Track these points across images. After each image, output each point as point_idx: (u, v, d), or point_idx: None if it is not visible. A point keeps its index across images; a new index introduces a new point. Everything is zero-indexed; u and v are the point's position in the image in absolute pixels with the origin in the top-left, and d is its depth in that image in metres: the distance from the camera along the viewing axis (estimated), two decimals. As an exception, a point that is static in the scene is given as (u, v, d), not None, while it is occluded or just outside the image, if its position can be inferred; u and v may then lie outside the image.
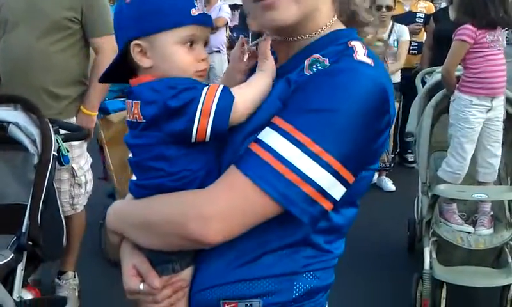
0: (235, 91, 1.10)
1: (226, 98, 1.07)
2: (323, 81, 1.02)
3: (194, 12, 1.10)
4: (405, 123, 4.11)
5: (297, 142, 0.97)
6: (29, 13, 2.98)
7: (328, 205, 1.01)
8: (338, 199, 1.02)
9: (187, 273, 1.15)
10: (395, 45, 5.15)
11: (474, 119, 3.41)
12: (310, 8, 1.08)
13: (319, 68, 1.06)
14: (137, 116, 1.10)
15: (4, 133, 2.43)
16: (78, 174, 3.11)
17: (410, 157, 5.59)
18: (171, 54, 1.11)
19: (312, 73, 1.06)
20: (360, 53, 1.05)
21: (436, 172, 3.57)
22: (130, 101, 1.12)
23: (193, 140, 1.07)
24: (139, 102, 1.09)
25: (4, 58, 3.05)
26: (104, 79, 1.27)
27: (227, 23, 7.23)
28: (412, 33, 5.54)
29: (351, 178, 1.01)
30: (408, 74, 5.21)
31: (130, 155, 1.18)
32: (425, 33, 5.84)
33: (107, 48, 3.05)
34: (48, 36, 2.99)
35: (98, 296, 3.39)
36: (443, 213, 3.38)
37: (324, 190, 0.98)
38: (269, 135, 1.01)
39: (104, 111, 3.61)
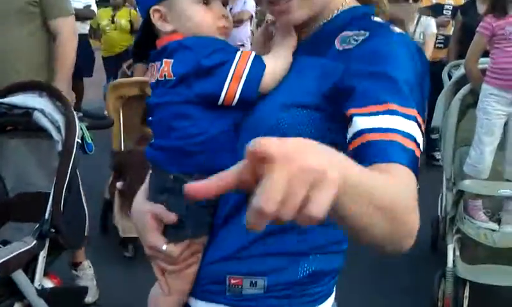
0: (265, 58, 1.10)
1: (259, 65, 1.07)
2: (386, 49, 1.00)
3: None
4: (431, 120, 4.06)
5: (412, 117, 0.93)
6: None
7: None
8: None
9: (202, 240, 1.15)
10: (422, 37, 5.07)
11: (492, 110, 3.39)
12: (321, 3, 1.09)
13: (360, 38, 1.03)
14: (166, 73, 1.10)
15: (29, 119, 2.44)
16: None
17: (438, 155, 5.49)
18: (190, 13, 1.13)
19: (355, 44, 1.03)
20: (392, 26, 1.05)
21: (461, 168, 3.52)
22: (158, 61, 1.13)
23: (220, 102, 1.08)
24: (170, 59, 1.10)
25: None
26: (134, 57, 1.29)
27: (252, 16, 7.20)
28: (440, 26, 5.45)
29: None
30: (434, 68, 5.12)
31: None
32: (452, 27, 5.75)
33: (65, 30, 3.05)
34: (9, 23, 2.97)
35: (114, 284, 3.42)
36: (468, 210, 3.33)
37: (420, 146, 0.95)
38: (402, 124, 0.93)
39: None
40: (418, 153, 0.92)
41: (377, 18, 1.09)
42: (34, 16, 3.03)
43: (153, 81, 1.15)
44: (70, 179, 2.40)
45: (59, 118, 2.41)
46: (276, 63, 1.10)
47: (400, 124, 0.91)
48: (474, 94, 3.53)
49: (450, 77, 4.00)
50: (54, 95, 2.50)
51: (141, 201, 1.21)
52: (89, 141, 2.52)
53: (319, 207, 0.62)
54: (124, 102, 4.24)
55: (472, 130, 3.55)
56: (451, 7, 5.77)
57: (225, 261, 1.12)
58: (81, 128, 2.49)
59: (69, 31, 3.10)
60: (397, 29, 1.04)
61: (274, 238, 1.08)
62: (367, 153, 0.90)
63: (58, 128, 2.40)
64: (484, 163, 3.40)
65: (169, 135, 1.12)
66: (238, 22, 6.55)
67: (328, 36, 1.09)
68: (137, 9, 9.08)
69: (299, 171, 0.62)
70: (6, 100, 2.48)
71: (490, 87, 3.40)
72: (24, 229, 2.52)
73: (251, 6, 7.04)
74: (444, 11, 5.74)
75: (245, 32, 6.93)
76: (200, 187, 0.66)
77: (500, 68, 3.39)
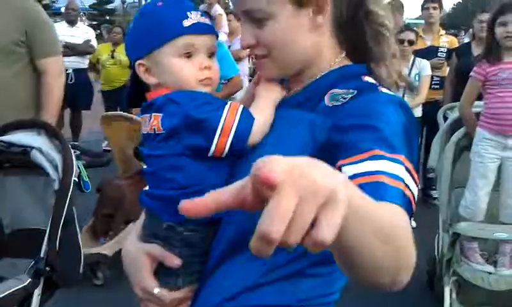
0: (251, 109, 1.12)
1: (247, 118, 1.09)
2: (372, 106, 1.01)
3: (187, 23, 1.13)
4: (427, 159, 4.09)
5: (400, 161, 0.94)
6: None
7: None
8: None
9: (193, 287, 1.15)
10: (417, 79, 5.13)
11: (486, 154, 3.42)
12: (293, 65, 1.12)
13: (346, 97, 1.06)
14: (155, 127, 1.12)
15: (26, 157, 2.45)
16: None
17: (434, 193, 5.49)
18: (170, 67, 1.14)
19: (343, 101, 1.05)
20: (381, 87, 1.07)
21: (457, 209, 3.53)
22: (148, 114, 1.14)
23: (210, 155, 1.09)
24: (159, 114, 1.12)
25: None
26: (128, 104, 1.32)
27: (250, 54, 7.25)
28: (434, 68, 5.52)
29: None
30: (430, 108, 5.18)
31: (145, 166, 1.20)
32: (447, 68, 5.82)
33: (52, 70, 3.04)
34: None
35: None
36: (464, 252, 3.32)
37: (414, 195, 0.95)
38: (394, 168, 0.94)
39: None
40: (408, 194, 0.92)
41: (368, 78, 1.11)
42: (20, 56, 3.00)
43: (145, 133, 1.16)
44: (66, 217, 2.40)
45: (56, 157, 2.41)
46: (261, 116, 1.11)
47: (385, 166, 0.92)
48: (469, 138, 3.56)
49: (445, 119, 4.03)
50: (52, 133, 2.51)
51: (134, 241, 1.20)
52: (86, 179, 2.52)
53: (329, 229, 0.59)
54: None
55: (467, 172, 3.57)
56: (445, 49, 5.84)
57: None
58: (78, 167, 2.49)
59: (56, 70, 3.08)
60: (385, 89, 1.07)
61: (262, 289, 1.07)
62: None
63: (55, 167, 2.40)
64: (479, 205, 3.41)
65: (163, 186, 1.13)
66: (236, 60, 6.62)
67: (318, 92, 1.11)
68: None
69: (307, 192, 0.59)
70: (4, 137, 2.49)
71: (484, 132, 3.44)
72: (19, 265, 2.51)
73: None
74: (438, 54, 5.81)
75: (243, 69, 6.99)
76: (197, 204, 0.63)
77: (493, 113, 3.43)
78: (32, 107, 3.08)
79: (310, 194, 0.59)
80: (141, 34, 1.16)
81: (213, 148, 1.08)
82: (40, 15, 3.10)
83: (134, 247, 1.19)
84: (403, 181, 0.92)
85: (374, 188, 0.89)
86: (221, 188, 0.64)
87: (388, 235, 0.77)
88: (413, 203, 0.93)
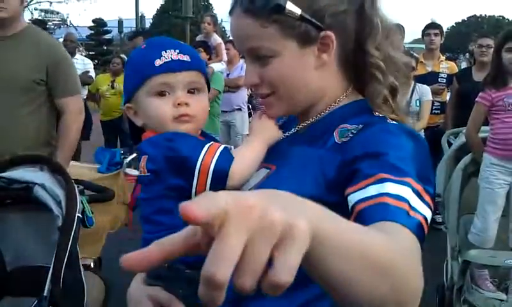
0: (234, 151, 1.12)
1: (226, 158, 1.09)
2: (379, 135, 1.00)
3: (159, 62, 1.14)
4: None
5: (408, 184, 0.92)
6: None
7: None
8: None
9: None
10: (417, 104, 5.13)
11: (494, 180, 3.40)
12: (298, 102, 1.11)
13: (354, 132, 1.05)
14: (142, 170, 1.13)
15: (29, 194, 2.41)
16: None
17: (438, 218, 5.47)
18: (147, 107, 1.17)
19: (350, 137, 1.04)
20: (390, 119, 1.07)
21: (466, 236, 3.49)
22: (141, 156, 1.16)
23: (193, 196, 1.08)
24: (145, 156, 1.13)
25: None
26: (133, 141, 1.33)
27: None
28: (435, 93, 5.52)
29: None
30: (431, 133, 5.17)
31: None
32: (448, 93, 5.83)
33: (72, 109, 3.04)
34: (14, 101, 2.93)
35: None
36: (475, 279, 3.28)
37: (427, 218, 0.92)
38: (399, 189, 0.92)
39: None
40: (415, 216, 0.88)
41: (378, 113, 1.10)
42: (38, 94, 3.01)
43: (140, 175, 1.17)
44: (70, 254, 2.35)
45: (59, 193, 2.37)
46: (245, 155, 1.11)
47: (389, 188, 0.90)
48: (476, 163, 3.54)
49: (449, 144, 4.02)
50: (55, 169, 2.47)
51: (136, 286, 1.20)
52: (90, 214, 2.48)
53: (285, 270, 0.52)
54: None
55: (475, 198, 3.54)
56: (446, 75, 5.86)
57: None
58: (82, 202, 2.46)
59: (76, 109, 3.09)
60: (394, 121, 1.07)
61: None
62: (358, 222, 0.80)
63: (59, 203, 2.36)
64: (488, 232, 3.38)
65: (156, 229, 1.13)
66: (235, 87, 6.63)
67: (327, 128, 1.09)
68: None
69: (259, 228, 0.52)
70: (6, 174, 2.45)
71: (491, 157, 3.42)
72: (21, 304, 2.46)
73: (247, 72, 7.13)
74: (439, 79, 5.82)
75: (242, 97, 7.00)
76: (140, 258, 0.55)
77: (500, 138, 3.42)
78: (45, 145, 3.08)
79: (261, 231, 0.52)
80: (126, 78, 1.22)
81: (193, 189, 1.08)
82: (61, 55, 3.12)
83: (137, 290, 1.19)
84: (407, 202, 0.89)
85: (376, 210, 0.87)
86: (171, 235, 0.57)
87: (383, 265, 0.70)
88: (424, 226, 0.90)
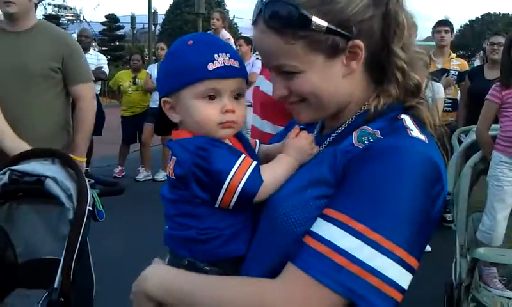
0: (265, 170, 1.09)
1: (255, 180, 1.07)
2: (374, 164, 0.97)
3: (212, 66, 1.11)
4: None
5: (355, 231, 0.92)
6: (13, 67, 3.08)
7: (398, 296, 0.94)
8: (406, 288, 0.95)
9: None
10: (430, 102, 5.10)
11: (503, 177, 3.38)
12: (329, 107, 1.10)
13: (371, 140, 1.03)
14: (170, 171, 1.12)
15: (41, 187, 2.44)
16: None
17: (448, 216, 5.45)
18: (191, 108, 1.13)
19: (363, 146, 1.03)
20: (414, 129, 1.03)
21: (475, 234, 3.48)
22: (171, 156, 1.14)
23: (217, 206, 1.08)
24: (174, 158, 1.11)
25: None
26: (156, 132, 1.32)
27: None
28: (446, 86, 5.50)
29: (415, 263, 0.96)
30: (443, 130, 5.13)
31: None
32: (459, 90, 5.79)
33: (86, 95, 3.26)
34: (33, 88, 3.10)
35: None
36: (483, 277, 3.27)
37: (391, 280, 0.92)
38: (323, 228, 0.96)
39: None
40: (338, 260, 0.91)
41: (404, 116, 1.07)
42: (56, 82, 3.18)
43: (167, 174, 1.17)
44: (80, 247, 2.38)
45: (71, 186, 2.40)
46: (272, 178, 1.09)
47: (319, 228, 0.96)
48: (485, 161, 3.52)
49: (460, 142, 4.00)
50: (67, 163, 2.50)
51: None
52: (101, 208, 2.50)
53: None
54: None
55: (484, 196, 3.53)
56: (456, 72, 5.82)
57: None
58: (93, 196, 2.48)
59: (89, 96, 3.30)
60: (422, 137, 1.01)
61: None
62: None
63: (70, 196, 2.39)
64: (497, 230, 3.37)
65: (180, 228, 1.14)
66: (247, 84, 6.63)
67: (351, 130, 1.09)
68: (146, 70, 9.34)
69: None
70: (18, 167, 2.48)
71: (501, 155, 3.41)
72: (31, 296, 2.48)
73: (258, 69, 7.15)
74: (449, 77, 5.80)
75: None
76: None
77: (509, 136, 3.41)
78: (63, 132, 3.29)
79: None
80: (168, 73, 1.16)
81: (218, 202, 1.07)
82: (75, 45, 3.35)
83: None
84: (330, 245, 0.92)
85: (300, 250, 0.96)
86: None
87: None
88: (348, 269, 0.91)
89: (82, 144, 3.27)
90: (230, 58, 1.13)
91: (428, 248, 4.25)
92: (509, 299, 3.11)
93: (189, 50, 1.14)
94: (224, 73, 1.11)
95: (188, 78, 1.12)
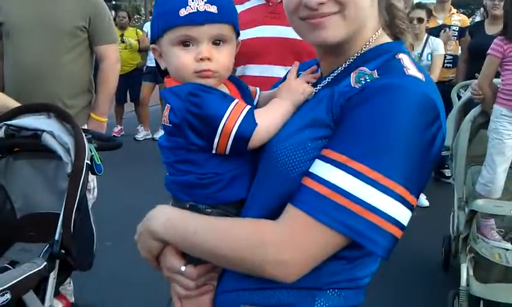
0: (259, 114, 1.08)
1: (249, 123, 1.06)
2: (371, 104, 0.96)
3: (183, 12, 1.08)
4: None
5: (354, 171, 0.92)
6: (40, 21, 3.05)
7: (398, 232, 0.94)
8: (406, 225, 0.96)
9: (218, 269, 1.16)
10: (429, 58, 5.07)
11: (504, 130, 3.38)
12: (357, 26, 1.07)
13: (368, 80, 1.02)
14: (165, 119, 1.11)
15: (37, 141, 2.43)
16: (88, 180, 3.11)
17: (447, 172, 5.47)
18: (168, 55, 1.13)
19: (360, 85, 1.01)
20: (411, 67, 1.02)
21: (473, 187, 3.49)
22: (165, 104, 1.14)
23: (214, 152, 1.08)
24: (168, 106, 1.11)
25: (13, 67, 3.11)
26: (162, 77, 1.27)
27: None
28: (446, 41, 5.45)
29: (414, 201, 0.96)
30: (443, 87, 5.10)
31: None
32: (459, 47, 5.75)
33: (111, 56, 3.26)
34: (59, 46, 3.09)
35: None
36: (481, 229, 3.29)
37: (391, 217, 0.92)
38: (322, 169, 0.96)
39: None
40: (335, 198, 0.92)
41: (402, 55, 1.06)
42: (81, 41, 3.16)
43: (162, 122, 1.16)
44: (80, 200, 2.38)
45: (68, 140, 2.38)
46: (267, 121, 1.07)
47: (318, 169, 0.96)
48: (485, 115, 3.52)
49: (459, 97, 3.99)
50: (63, 117, 2.48)
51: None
52: (99, 162, 2.49)
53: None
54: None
55: (483, 150, 3.53)
56: (457, 28, 5.77)
57: (240, 291, 1.11)
58: (90, 150, 2.47)
59: (114, 57, 3.31)
60: (419, 75, 1.01)
61: None
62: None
63: (67, 150, 2.38)
64: (496, 183, 3.37)
65: (180, 174, 1.13)
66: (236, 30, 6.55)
67: (349, 71, 1.08)
68: (142, 29, 9.22)
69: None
70: (15, 121, 2.46)
71: (502, 108, 3.40)
72: (32, 250, 2.50)
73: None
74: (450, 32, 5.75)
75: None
76: None
77: (510, 89, 3.38)
78: (86, 91, 3.28)
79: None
80: (152, 21, 1.17)
81: (214, 147, 1.07)
82: (102, 5, 3.30)
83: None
84: (329, 186, 0.93)
85: (300, 191, 0.97)
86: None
87: (217, 255, 1.06)
88: (348, 208, 0.92)
89: (104, 104, 3.29)
90: (206, 3, 1.08)
91: (426, 203, 4.36)
92: (507, 250, 3.14)
93: None
94: (196, 19, 1.08)
95: (163, 25, 1.11)
